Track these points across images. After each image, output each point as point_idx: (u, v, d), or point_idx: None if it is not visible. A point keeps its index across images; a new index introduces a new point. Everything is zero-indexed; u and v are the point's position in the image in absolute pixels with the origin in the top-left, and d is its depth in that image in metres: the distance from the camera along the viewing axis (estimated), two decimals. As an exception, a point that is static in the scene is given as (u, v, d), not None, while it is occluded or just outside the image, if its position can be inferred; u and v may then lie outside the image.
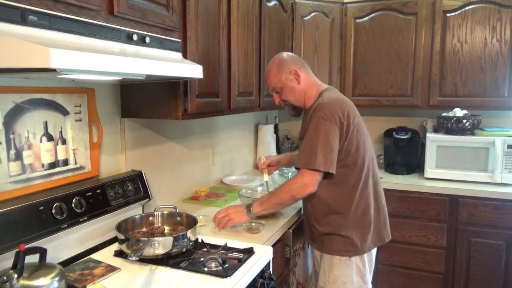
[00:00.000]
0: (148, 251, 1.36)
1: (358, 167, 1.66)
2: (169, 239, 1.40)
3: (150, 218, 1.67)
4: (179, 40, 1.52)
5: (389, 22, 2.86)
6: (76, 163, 1.55)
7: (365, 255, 1.71)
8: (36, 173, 1.39)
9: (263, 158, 2.05)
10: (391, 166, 2.98)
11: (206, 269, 1.35)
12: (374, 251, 1.77)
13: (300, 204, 2.08)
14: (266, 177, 2.09)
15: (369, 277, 1.75)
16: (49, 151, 1.43)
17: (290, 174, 2.71)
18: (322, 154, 1.56)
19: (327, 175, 1.63)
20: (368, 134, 1.76)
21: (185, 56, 1.59)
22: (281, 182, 2.46)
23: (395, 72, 2.88)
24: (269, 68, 1.80)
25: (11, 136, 1.30)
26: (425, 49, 2.79)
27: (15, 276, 1.03)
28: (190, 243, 1.47)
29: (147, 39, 1.32)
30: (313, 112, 1.63)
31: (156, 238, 1.39)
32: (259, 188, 2.22)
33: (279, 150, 3.28)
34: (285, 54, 1.80)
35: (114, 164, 1.76)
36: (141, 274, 1.34)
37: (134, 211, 1.73)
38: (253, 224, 1.75)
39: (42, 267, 1.11)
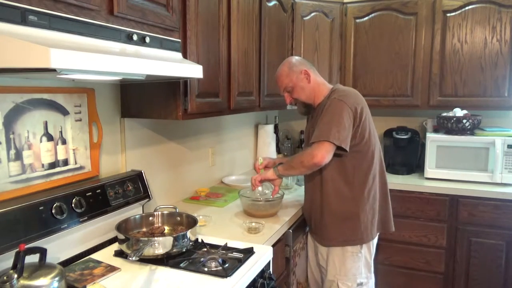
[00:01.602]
0: (148, 251, 1.36)
1: (371, 154, 1.80)
2: (169, 239, 1.40)
3: (150, 218, 1.67)
4: (179, 40, 1.52)
5: (389, 22, 2.86)
6: (76, 163, 1.55)
7: (371, 245, 1.83)
8: (36, 173, 1.39)
9: (261, 159, 2.06)
10: (391, 166, 2.98)
11: (206, 269, 1.35)
12: (375, 240, 1.89)
13: (301, 203, 2.09)
14: None
15: (372, 267, 1.89)
16: (49, 151, 1.43)
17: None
18: (336, 129, 1.66)
19: (343, 161, 1.74)
20: (375, 130, 1.89)
21: (185, 56, 1.59)
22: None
23: (395, 72, 2.88)
24: (280, 70, 1.90)
25: (11, 136, 1.30)
26: (425, 49, 2.79)
27: (15, 276, 1.03)
28: (190, 243, 1.47)
29: (147, 39, 1.32)
30: (328, 98, 1.78)
31: (156, 238, 1.39)
32: (259, 188, 2.21)
33: (279, 150, 3.28)
34: (294, 58, 1.92)
35: (114, 164, 1.76)
36: (141, 274, 1.34)
37: (134, 211, 1.73)
38: (253, 224, 1.75)
39: (42, 267, 1.11)
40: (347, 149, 1.69)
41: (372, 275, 1.88)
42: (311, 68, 1.89)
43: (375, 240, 1.90)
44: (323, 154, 1.66)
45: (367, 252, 1.83)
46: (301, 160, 1.74)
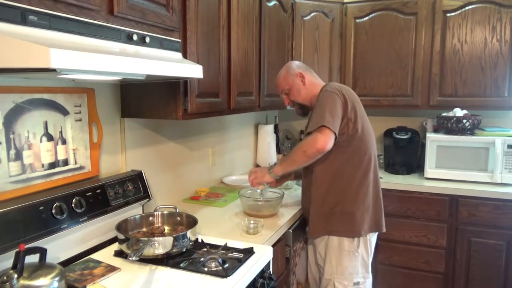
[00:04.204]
0: (148, 251, 1.36)
1: (363, 150, 1.82)
2: (169, 239, 1.40)
3: (150, 218, 1.67)
4: (179, 40, 1.52)
5: (389, 22, 2.86)
6: (76, 163, 1.55)
7: (368, 244, 1.83)
8: (36, 173, 1.39)
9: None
10: (391, 166, 2.98)
11: (206, 269, 1.35)
12: (374, 240, 1.90)
13: (299, 203, 2.09)
14: None
15: (370, 266, 1.89)
16: (49, 151, 1.43)
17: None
18: (330, 115, 1.69)
19: (333, 154, 1.75)
20: (371, 129, 1.89)
21: (185, 56, 1.59)
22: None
23: (395, 72, 2.88)
24: (279, 74, 2.01)
25: (11, 136, 1.30)
26: (425, 49, 2.79)
27: (15, 276, 1.03)
28: (190, 243, 1.47)
29: (147, 39, 1.32)
30: (319, 93, 1.83)
31: (156, 238, 1.39)
32: (258, 190, 2.21)
33: (279, 150, 3.28)
34: (294, 63, 2.01)
35: (114, 164, 1.76)
36: (141, 274, 1.34)
37: (134, 211, 1.73)
38: (252, 223, 1.75)
39: (42, 267, 1.11)
40: (336, 135, 1.71)
41: (370, 274, 1.88)
42: (308, 70, 1.97)
43: (373, 240, 1.90)
44: (325, 139, 1.66)
45: (364, 251, 1.83)
46: (303, 150, 1.72)
